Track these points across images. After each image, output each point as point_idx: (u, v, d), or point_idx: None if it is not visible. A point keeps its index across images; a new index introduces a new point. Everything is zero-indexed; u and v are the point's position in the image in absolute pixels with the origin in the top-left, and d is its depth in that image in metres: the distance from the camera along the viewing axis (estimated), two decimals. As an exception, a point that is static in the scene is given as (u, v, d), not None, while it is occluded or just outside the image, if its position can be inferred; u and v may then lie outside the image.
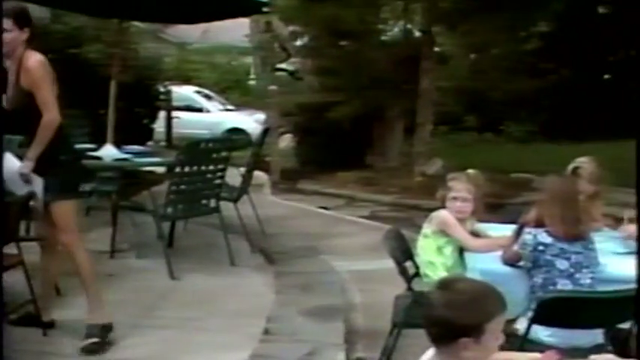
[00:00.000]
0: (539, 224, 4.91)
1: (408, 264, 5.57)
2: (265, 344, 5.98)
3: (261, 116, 20.26)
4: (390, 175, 14.62)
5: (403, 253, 5.55)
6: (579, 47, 20.93)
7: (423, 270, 5.53)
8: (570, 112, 19.82)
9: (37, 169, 5.57)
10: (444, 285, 3.03)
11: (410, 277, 5.42)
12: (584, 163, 6.17)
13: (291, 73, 19.83)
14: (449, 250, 5.54)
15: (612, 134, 17.30)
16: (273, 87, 17.83)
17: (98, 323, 5.82)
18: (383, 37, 17.41)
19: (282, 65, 19.58)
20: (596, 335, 4.76)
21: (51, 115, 5.56)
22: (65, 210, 5.78)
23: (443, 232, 5.53)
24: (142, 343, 5.87)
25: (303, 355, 5.76)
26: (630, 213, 6.47)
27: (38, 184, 5.61)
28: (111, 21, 12.07)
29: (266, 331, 6.22)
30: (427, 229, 5.61)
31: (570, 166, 6.16)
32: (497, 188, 10.55)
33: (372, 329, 6.45)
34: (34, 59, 5.56)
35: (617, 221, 6.23)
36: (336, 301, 7.19)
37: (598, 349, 4.64)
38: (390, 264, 5.44)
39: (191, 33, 26.35)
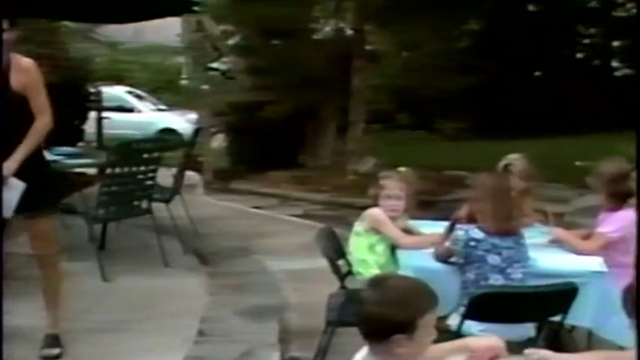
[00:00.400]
0: (470, 220, 4.95)
1: (341, 262, 5.58)
2: (199, 346, 5.95)
3: (193, 116, 20.13)
4: (323, 173, 14.62)
5: (336, 251, 5.56)
6: (510, 45, 21.18)
7: (355, 268, 5.53)
8: (502, 109, 20.05)
9: (19, 174, 5.29)
10: (376, 283, 3.03)
11: (343, 275, 5.43)
12: (515, 160, 6.23)
13: (223, 73, 19.69)
14: (381, 248, 5.55)
15: (543, 131, 17.56)
16: (205, 86, 17.74)
17: (58, 333, 5.77)
18: (315, 36, 17.39)
19: (214, 65, 19.41)
20: (529, 329, 4.82)
21: (46, 118, 5.41)
22: (52, 223, 5.71)
23: (375, 229, 5.54)
24: (75, 347, 5.79)
25: (237, 355, 5.75)
26: (556, 209, 6.58)
27: (16, 189, 5.30)
28: (40, 21, 11.92)
29: (200, 333, 6.18)
30: (359, 226, 5.62)
31: (502, 163, 6.22)
32: (430, 185, 10.62)
33: (306, 328, 6.43)
34: (27, 61, 5.40)
35: (546, 216, 6.32)
36: (271, 301, 7.17)
37: (530, 342, 4.68)
38: (323, 262, 5.45)
39: (123, 32, 26.07)
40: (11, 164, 5.23)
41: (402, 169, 5.87)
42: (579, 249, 5.45)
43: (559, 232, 5.72)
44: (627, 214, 5.56)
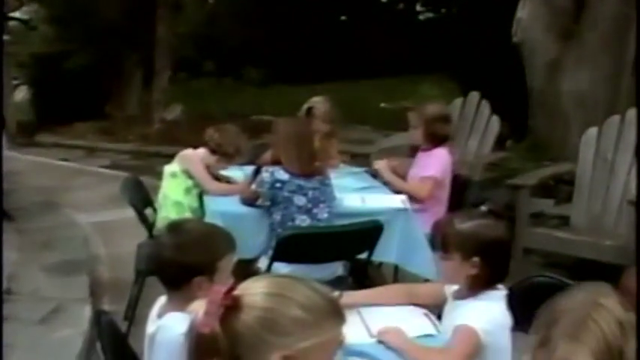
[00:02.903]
0: (275, 164, 4.97)
1: (149, 211, 5.53)
2: (7, 304, 5.76)
3: (-6, 68, 19.42)
4: (130, 123, 14.44)
5: (142, 200, 5.50)
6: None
7: (166, 212, 5.46)
8: (307, 54, 20.15)
9: None
10: (173, 228, 3.03)
11: (150, 224, 5.38)
12: (317, 102, 6.31)
13: (25, 22, 19.07)
14: (196, 192, 5.53)
15: (348, 75, 17.79)
16: (6, 37, 17.12)
17: None
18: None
19: (15, 14, 18.76)
20: (337, 267, 4.91)
21: None
22: None
23: (189, 172, 5.51)
24: None
25: (47, 312, 5.61)
26: (362, 150, 6.72)
27: None
28: None
29: (8, 291, 6.00)
30: (176, 167, 5.55)
31: (305, 106, 6.29)
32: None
33: (117, 280, 6.39)
34: None
35: (353, 157, 6.44)
36: (80, 255, 7.04)
37: (339, 280, 4.79)
38: (131, 213, 5.40)
39: None
40: None
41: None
42: (408, 191, 5.56)
43: (388, 175, 5.87)
44: (443, 152, 5.76)
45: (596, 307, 2.13)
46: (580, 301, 2.18)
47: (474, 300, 3.13)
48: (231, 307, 1.93)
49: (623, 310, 2.14)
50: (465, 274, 3.13)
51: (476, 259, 3.09)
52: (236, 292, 1.97)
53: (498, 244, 3.17)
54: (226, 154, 5.53)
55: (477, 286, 3.15)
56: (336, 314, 2.02)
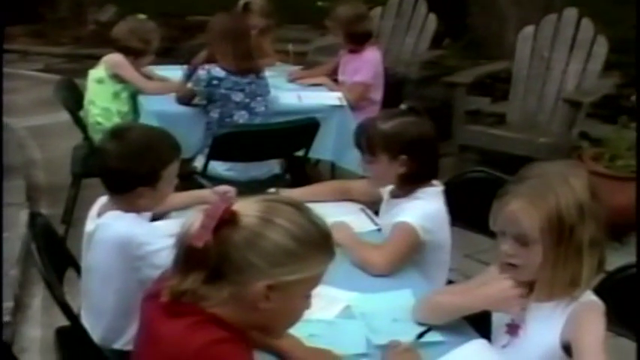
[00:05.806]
0: (211, 63, 4.92)
1: (83, 113, 5.45)
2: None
3: None
4: (63, 25, 14.13)
5: (76, 102, 5.41)
6: None
7: (95, 118, 5.37)
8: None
9: None
10: (117, 134, 2.95)
11: (85, 126, 5.31)
12: None
13: None
14: (125, 96, 5.44)
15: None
16: None
17: None
18: None
19: None
20: (273, 166, 4.94)
21: None
22: None
23: (118, 76, 5.40)
24: None
25: (-16, 217, 5.55)
26: (299, 49, 6.70)
27: None
28: None
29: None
30: (101, 73, 5.42)
31: (241, 2, 6.24)
32: (173, 32, 10.49)
33: (54, 184, 6.33)
34: None
35: (288, 55, 6.42)
36: (15, 159, 6.92)
37: (276, 178, 4.83)
38: (66, 116, 5.34)
39: None
40: None
41: (142, 16, 5.72)
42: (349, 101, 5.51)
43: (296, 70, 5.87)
44: (372, 55, 5.75)
45: (564, 183, 2.24)
46: (552, 172, 2.29)
47: (412, 198, 3.13)
48: (227, 221, 1.87)
49: (589, 195, 2.24)
50: (394, 173, 3.11)
51: (403, 157, 3.06)
52: (234, 208, 1.89)
53: (423, 140, 3.12)
54: (136, 50, 5.39)
55: (408, 184, 3.14)
56: (328, 250, 1.98)
